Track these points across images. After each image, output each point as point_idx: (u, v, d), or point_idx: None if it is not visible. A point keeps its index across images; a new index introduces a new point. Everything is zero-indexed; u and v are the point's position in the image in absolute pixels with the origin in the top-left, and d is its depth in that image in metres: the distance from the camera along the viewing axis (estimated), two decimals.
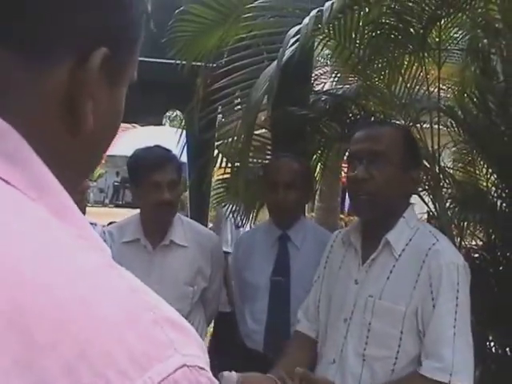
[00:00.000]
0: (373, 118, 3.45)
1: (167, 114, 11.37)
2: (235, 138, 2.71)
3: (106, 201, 23.83)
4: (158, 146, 2.81)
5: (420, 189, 3.35)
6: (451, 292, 1.93)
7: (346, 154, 3.96)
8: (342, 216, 9.87)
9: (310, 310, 2.36)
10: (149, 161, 2.73)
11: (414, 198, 3.69)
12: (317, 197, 6.99)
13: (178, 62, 3.35)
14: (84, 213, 2.29)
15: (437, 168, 3.06)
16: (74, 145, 0.64)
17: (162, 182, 2.70)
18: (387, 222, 2.06)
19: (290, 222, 3.00)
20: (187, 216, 7.26)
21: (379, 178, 2.01)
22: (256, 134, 4.26)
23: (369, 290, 2.05)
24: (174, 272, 2.81)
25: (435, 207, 3.13)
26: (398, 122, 3.32)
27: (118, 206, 21.65)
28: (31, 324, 0.47)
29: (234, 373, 2.10)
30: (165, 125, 12.98)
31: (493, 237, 3.17)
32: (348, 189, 2.13)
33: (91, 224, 2.19)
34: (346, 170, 2.19)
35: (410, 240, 2.04)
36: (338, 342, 2.10)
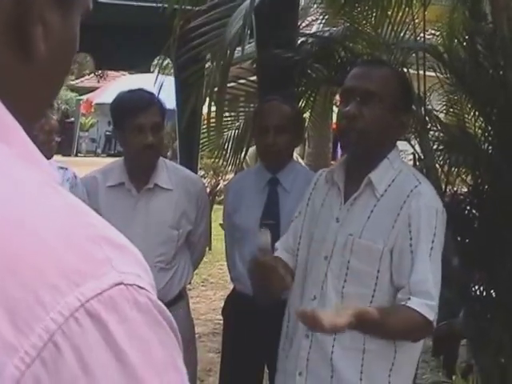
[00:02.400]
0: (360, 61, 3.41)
1: (158, 61, 11.22)
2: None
3: (99, 150, 23.75)
4: (140, 90, 2.78)
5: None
6: (429, 234, 1.96)
7: (335, 97, 3.95)
8: (332, 162, 9.86)
9: (288, 243, 2.35)
10: (131, 104, 2.70)
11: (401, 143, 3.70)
12: (307, 142, 6.97)
13: (160, 5, 3.28)
14: (52, 153, 2.25)
15: (423, 110, 3.03)
16: (28, 76, 0.61)
17: (145, 125, 2.67)
18: (371, 161, 2.06)
19: (279, 165, 2.99)
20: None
21: (369, 116, 2.00)
22: (249, 80, 4.24)
23: (349, 228, 2.05)
24: (158, 215, 2.80)
25: (422, 149, 3.12)
26: None
27: (110, 155, 21.53)
28: None
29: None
30: (153, 72, 12.87)
31: (479, 181, 3.16)
32: (338, 123, 2.12)
33: (62, 168, 2.16)
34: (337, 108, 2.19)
35: (393, 181, 2.04)
36: (318, 279, 2.11)
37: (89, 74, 23.49)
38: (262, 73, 3.83)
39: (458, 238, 3.02)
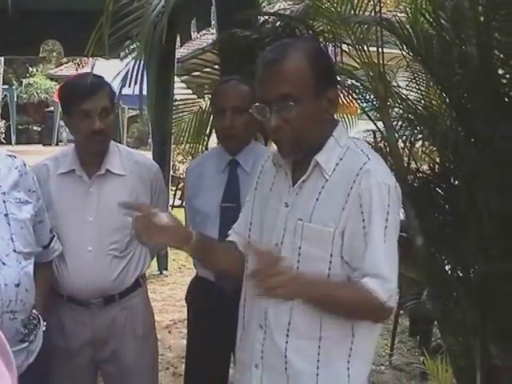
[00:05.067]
0: (321, 39, 3.32)
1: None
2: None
3: None
4: (88, 74, 2.70)
5: (368, 108, 3.28)
6: (382, 213, 1.86)
7: None
8: None
9: (240, 228, 2.26)
10: (78, 88, 2.63)
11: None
12: None
13: None
14: None
15: (382, 87, 2.96)
16: None
17: (91, 110, 2.60)
18: (315, 145, 1.95)
19: (239, 147, 2.92)
20: (151, 152, 7.21)
21: (294, 121, 1.87)
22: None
23: (298, 213, 1.96)
24: (111, 202, 2.71)
25: (384, 126, 3.06)
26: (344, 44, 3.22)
27: None
28: None
29: None
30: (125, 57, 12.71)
31: (443, 158, 3.10)
32: (268, 136, 2.02)
33: (10, 156, 2.06)
34: None
35: (341, 159, 1.94)
36: None
37: (67, 63, 23.26)
38: (223, 54, 3.76)
39: (422, 217, 2.96)
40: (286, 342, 1.94)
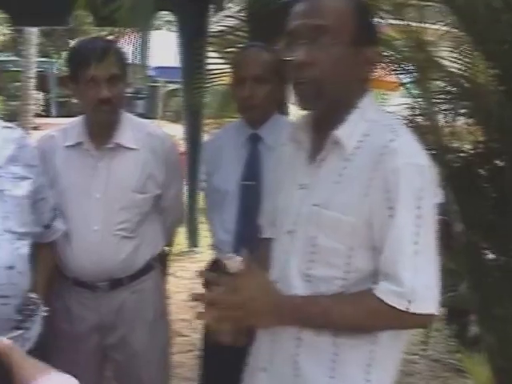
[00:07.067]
0: None
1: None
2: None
3: None
4: (98, 38, 2.50)
5: (406, 80, 3.02)
6: (412, 199, 1.58)
7: None
8: None
9: (270, 216, 2.03)
10: (85, 53, 2.42)
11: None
12: None
13: None
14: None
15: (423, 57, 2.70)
16: None
17: (99, 76, 2.39)
18: (338, 114, 1.69)
19: (260, 119, 2.69)
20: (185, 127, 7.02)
21: (324, 60, 1.62)
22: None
23: (314, 197, 1.69)
24: (121, 178, 2.53)
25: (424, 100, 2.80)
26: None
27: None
28: None
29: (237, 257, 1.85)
30: (161, 29, 12.55)
31: (487, 137, 2.82)
32: (289, 75, 1.75)
33: (8, 128, 1.86)
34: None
35: (365, 136, 1.66)
36: (280, 258, 1.77)
37: (107, 35, 23.18)
38: (253, 20, 3.54)
39: (463, 201, 2.71)
40: (297, 347, 1.71)
